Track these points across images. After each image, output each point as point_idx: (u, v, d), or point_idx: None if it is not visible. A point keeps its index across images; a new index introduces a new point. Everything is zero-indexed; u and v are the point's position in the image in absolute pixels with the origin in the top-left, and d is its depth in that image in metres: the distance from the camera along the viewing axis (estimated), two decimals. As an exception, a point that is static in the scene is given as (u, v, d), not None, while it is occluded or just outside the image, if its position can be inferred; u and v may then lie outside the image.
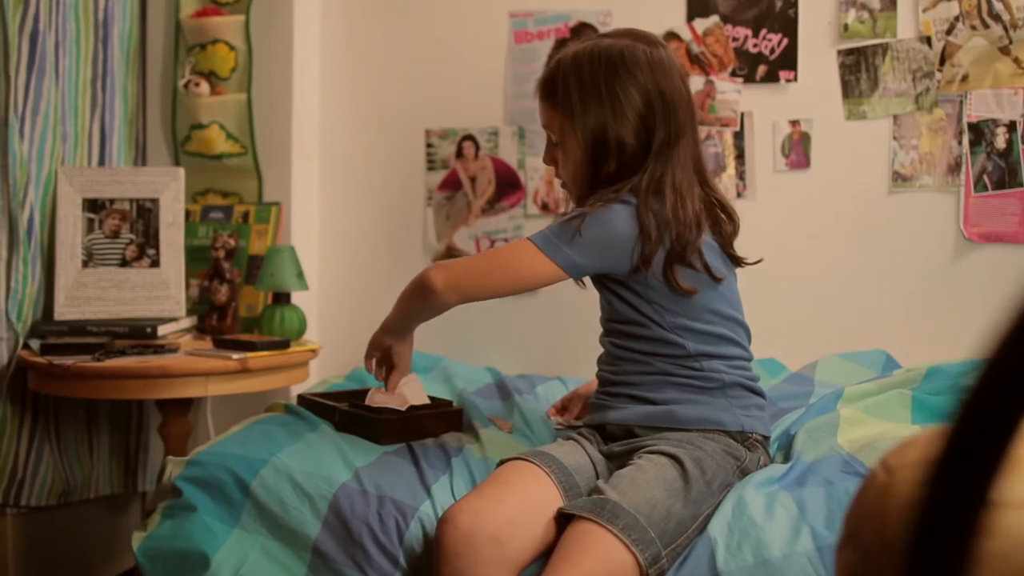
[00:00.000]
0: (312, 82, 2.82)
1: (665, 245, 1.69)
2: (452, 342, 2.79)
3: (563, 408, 2.20)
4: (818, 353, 2.51)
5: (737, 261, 1.81)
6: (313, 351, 2.39)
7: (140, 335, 2.31)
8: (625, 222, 1.69)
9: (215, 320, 2.51)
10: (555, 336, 2.77)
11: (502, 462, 1.74)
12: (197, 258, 2.61)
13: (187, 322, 2.50)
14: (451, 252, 2.82)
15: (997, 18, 2.50)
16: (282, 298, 2.48)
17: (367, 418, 1.96)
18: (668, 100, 1.71)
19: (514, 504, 1.60)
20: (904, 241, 2.57)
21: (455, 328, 2.81)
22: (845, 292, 2.60)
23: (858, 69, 2.58)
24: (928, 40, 2.54)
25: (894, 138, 2.57)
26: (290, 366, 2.31)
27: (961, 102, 2.53)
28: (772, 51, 2.63)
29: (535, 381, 2.51)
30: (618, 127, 1.71)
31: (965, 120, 2.53)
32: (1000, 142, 2.51)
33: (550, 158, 1.84)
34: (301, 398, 2.10)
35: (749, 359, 1.82)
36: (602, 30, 2.70)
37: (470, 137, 2.80)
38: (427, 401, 2.05)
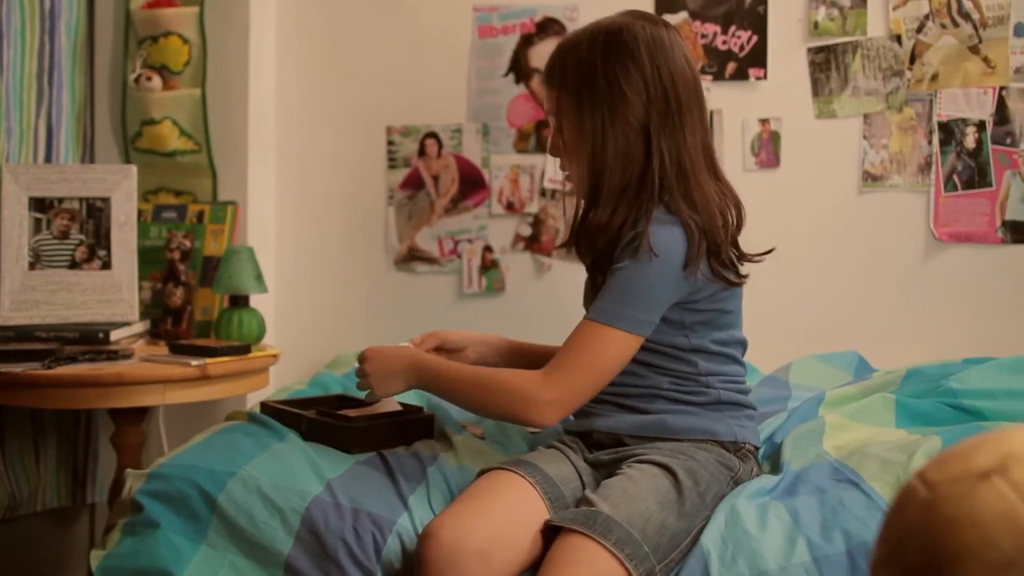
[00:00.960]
0: (269, 76, 2.73)
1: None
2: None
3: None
4: (789, 354, 2.48)
5: (743, 257, 1.74)
6: (274, 356, 2.30)
7: (92, 340, 2.20)
8: (676, 246, 1.61)
9: (169, 324, 2.40)
10: (519, 334, 2.67)
11: (482, 472, 1.67)
12: (149, 260, 2.50)
13: (140, 326, 2.39)
14: (413, 253, 2.74)
15: (967, 16, 2.48)
16: (240, 301, 2.39)
17: (336, 426, 1.87)
18: (669, 79, 1.65)
19: (499, 517, 1.54)
20: (875, 241, 2.55)
21: (417, 330, 2.73)
22: (816, 292, 2.57)
23: (828, 67, 2.55)
24: (898, 38, 2.52)
25: (864, 137, 2.54)
26: (250, 372, 2.22)
27: (931, 101, 2.51)
28: (741, 48, 2.59)
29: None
30: (621, 107, 1.64)
31: (935, 119, 2.51)
32: (970, 142, 2.50)
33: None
34: (264, 406, 2.01)
35: (744, 373, 1.77)
36: (568, 25, 2.65)
37: (433, 134, 2.73)
38: (398, 408, 1.98)
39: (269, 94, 2.73)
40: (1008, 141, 2.49)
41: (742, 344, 1.77)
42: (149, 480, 1.70)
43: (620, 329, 1.60)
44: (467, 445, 1.88)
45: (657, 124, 1.65)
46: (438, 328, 2.68)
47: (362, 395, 2.20)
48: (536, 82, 2.67)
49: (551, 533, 1.53)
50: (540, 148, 2.68)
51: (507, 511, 1.56)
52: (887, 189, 2.55)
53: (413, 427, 1.94)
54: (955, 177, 2.51)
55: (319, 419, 1.91)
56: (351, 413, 1.94)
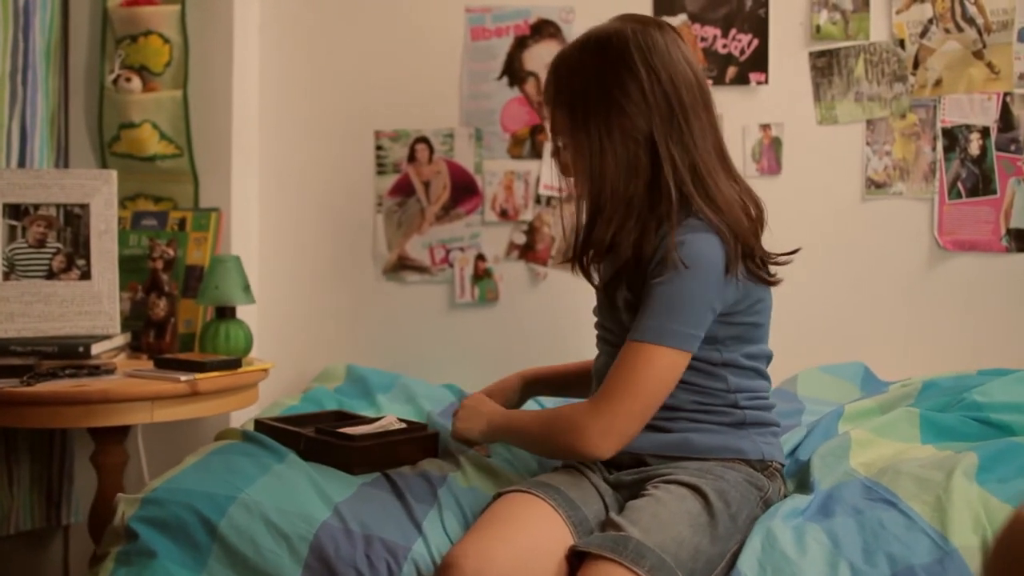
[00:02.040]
0: (253, 78, 2.62)
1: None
2: (405, 357, 2.62)
3: None
4: (791, 363, 2.41)
5: (768, 257, 1.66)
6: (264, 371, 2.19)
7: (72, 355, 2.08)
8: (713, 252, 1.54)
9: (152, 337, 2.29)
10: (514, 346, 2.62)
11: (499, 495, 1.58)
12: (128, 269, 2.38)
13: (121, 340, 2.28)
14: (402, 261, 2.65)
15: (971, 21, 2.44)
16: (227, 313, 2.28)
17: (337, 445, 1.78)
18: (669, 83, 1.57)
19: (522, 543, 1.45)
20: (878, 249, 2.50)
21: (407, 342, 2.65)
22: (819, 302, 2.52)
23: (830, 72, 2.50)
24: (901, 43, 2.47)
25: (867, 143, 2.49)
26: (241, 388, 2.11)
27: (935, 107, 2.47)
28: (742, 52, 2.53)
29: (502, 398, 2.34)
30: (617, 118, 1.57)
31: (939, 125, 2.47)
32: (974, 148, 2.46)
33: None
34: (259, 423, 1.91)
35: (769, 388, 1.70)
36: (564, 28, 2.58)
37: (423, 139, 2.63)
38: (401, 425, 1.89)
39: (253, 96, 2.62)
40: (1012, 148, 2.45)
41: (768, 358, 1.70)
42: (143, 505, 1.59)
43: (668, 347, 1.53)
44: (475, 464, 1.80)
45: (662, 131, 1.57)
46: (427, 339, 2.63)
47: (362, 411, 2.14)
48: (531, 85, 2.59)
49: (576, 559, 1.45)
50: (535, 153, 2.60)
51: (530, 537, 1.47)
52: (890, 196, 2.49)
53: (417, 445, 1.86)
54: (959, 184, 2.47)
55: (319, 437, 1.81)
56: (351, 431, 1.85)
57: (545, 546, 1.47)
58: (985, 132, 2.45)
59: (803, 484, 1.68)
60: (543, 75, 2.58)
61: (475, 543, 1.44)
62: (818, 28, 2.49)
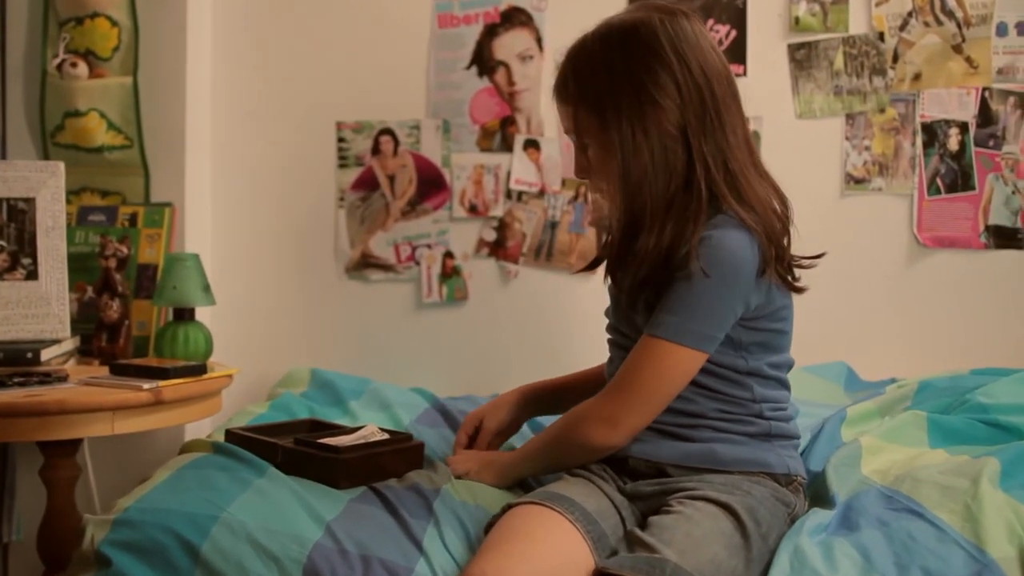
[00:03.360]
0: (207, 64, 2.47)
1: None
2: (369, 360, 2.50)
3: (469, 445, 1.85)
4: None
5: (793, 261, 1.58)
6: (229, 376, 2.05)
7: (19, 361, 1.92)
8: (744, 254, 1.45)
9: (104, 341, 2.13)
10: (484, 348, 2.51)
11: (508, 507, 1.48)
12: (75, 268, 2.22)
13: (70, 344, 2.11)
14: (366, 259, 2.52)
15: (950, 15, 2.40)
16: (185, 315, 2.13)
17: (321, 458, 1.66)
18: (701, 75, 1.48)
19: (543, 561, 1.35)
20: (857, 246, 2.45)
21: (372, 344, 2.53)
22: (798, 299, 2.43)
23: (809, 65, 2.44)
24: (881, 36, 2.42)
25: (846, 138, 2.44)
26: (205, 396, 1.97)
27: (914, 102, 2.43)
28: (720, 43, 2.45)
29: (479, 402, 2.23)
30: (652, 113, 1.46)
31: (918, 120, 2.43)
32: (953, 144, 2.42)
33: (581, 168, 1.57)
34: (230, 434, 1.78)
35: (789, 398, 1.63)
36: (536, 15, 2.48)
37: (388, 131, 2.51)
38: (383, 435, 1.77)
39: (206, 84, 2.47)
40: (991, 144, 2.42)
41: (790, 367, 1.63)
42: (115, 528, 1.45)
43: (685, 345, 1.44)
44: (466, 473, 1.70)
45: (696, 128, 1.48)
46: (393, 341, 2.51)
47: (335, 419, 2.02)
48: (501, 75, 2.49)
49: (601, 580, 1.36)
50: (505, 146, 2.49)
51: (551, 554, 1.37)
52: (870, 192, 2.45)
53: (403, 456, 1.74)
54: (938, 180, 2.43)
55: (299, 449, 1.69)
56: (333, 442, 1.72)
57: (567, 564, 1.37)
58: (964, 128, 2.42)
59: (820, 496, 1.60)
60: (513, 64, 2.49)
61: (493, 562, 1.33)
62: (797, 20, 2.43)
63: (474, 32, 2.49)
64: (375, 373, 2.43)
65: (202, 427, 2.40)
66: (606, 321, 1.72)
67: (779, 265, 1.50)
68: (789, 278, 1.53)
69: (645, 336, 1.48)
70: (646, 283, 1.50)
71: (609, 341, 1.67)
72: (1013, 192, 2.41)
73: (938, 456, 1.68)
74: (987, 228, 2.42)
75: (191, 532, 1.42)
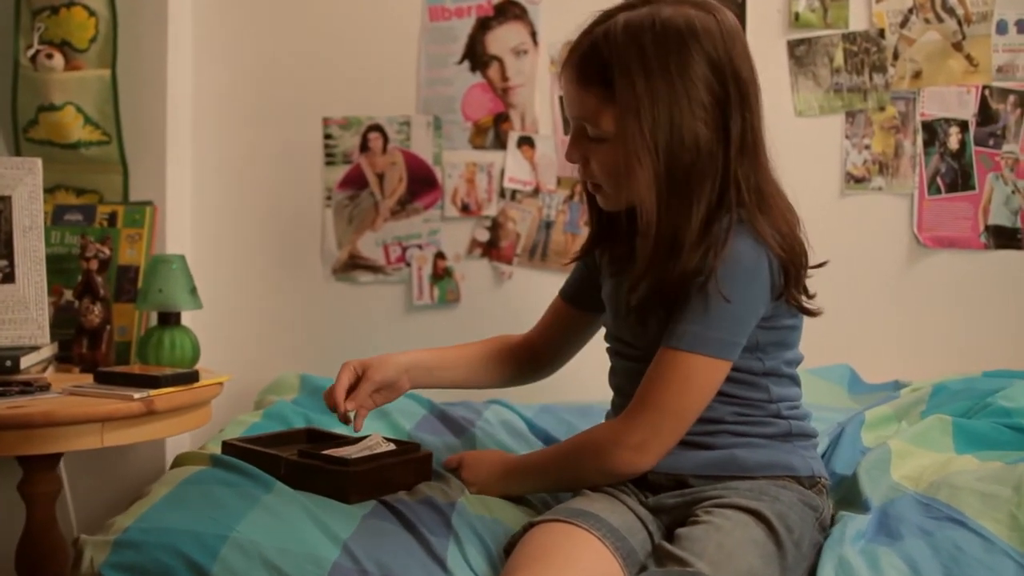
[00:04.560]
0: (189, 56, 2.36)
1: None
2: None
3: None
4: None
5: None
6: (220, 384, 1.95)
7: (-2, 370, 1.81)
8: (760, 263, 1.39)
9: (85, 347, 2.02)
10: (476, 354, 2.43)
11: (531, 525, 1.40)
12: (51, 270, 2.10)
13: (48, 351, 2.00)
14: (354, 260, 2.43)
15: (951, 12, 2.37)
16: (171, 319, 2.03)
17: (329, 471, 1.57)
18: (744, 81, 1.42)
19: (577, 582, 1.28)
20: (857, 246, 2.41)
21: (361, 348, 2.42)
22: (798, 302, 2.41)
23: (809, 62, 2.39)
24: (881, 32, 2.38)
25: (846, 136, 2.40)
26: (197, 405, 1.87)
27: (914, 100, 2.39)
28: (719, 39, 2.39)
29: (476, 408, 2.16)
30: (694, 117, 1.38)
31: (919, 119, 2.39)
32: (953, 143, 2.39)
33: (580, 155, 1.48)
34: (228, 446, 1.68)
35: (802, 396, 1.57)
36: (530, 9, 2.40)
37: (377, 127, 2.42)
38: (390, 445, 1.69)
39: (187, 76, 2.37)
40: (991, 143, 2.39)
41: (800, 362, 1.57)
42: (115, 549, 1.35)
43: (708, 355, 1.38)
44: (480, 486, 1.62)
45: (733, 136, 1.40)
46: (382, 345, 2.41)
47: (336, 427, 1.93)
48: (494, 71, 2.41)
49: (634, 597, 1.29)
50: (499, 144, 2.41)
51: (581, 574, 1.30)
52: (870, 192, 2.41)
53: (412, 467, 1.66)
54: (939, 179, 2.40)
55: (304, 462, 1.60)
56: (339, 453, 1.64)
57: (598, 584, 1.30)
58: (964, 126, 2.39)
59: (849, 501, 1.55)
60: (507, 59, 2.42)
61: (527, 584, 1.26)
62: (797, 16, 2.38)
63: (466, 26, 2.41)
64: (364, 378, 2.34)
65: (181, 440, 2.30)
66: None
67: (795, 289, 1.44)
68: (804, 299, 1.47)
69: (664, 350, 1.40)
70: (662, 297, 1.43)
71: (610, 351, 1.61)
72: (1013, 192, 2.39)
73: (968, 462, 1.64)
74: (987, 228, 2.40)
75: (199, 553, 1.33)
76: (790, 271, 1.43)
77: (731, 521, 1.35)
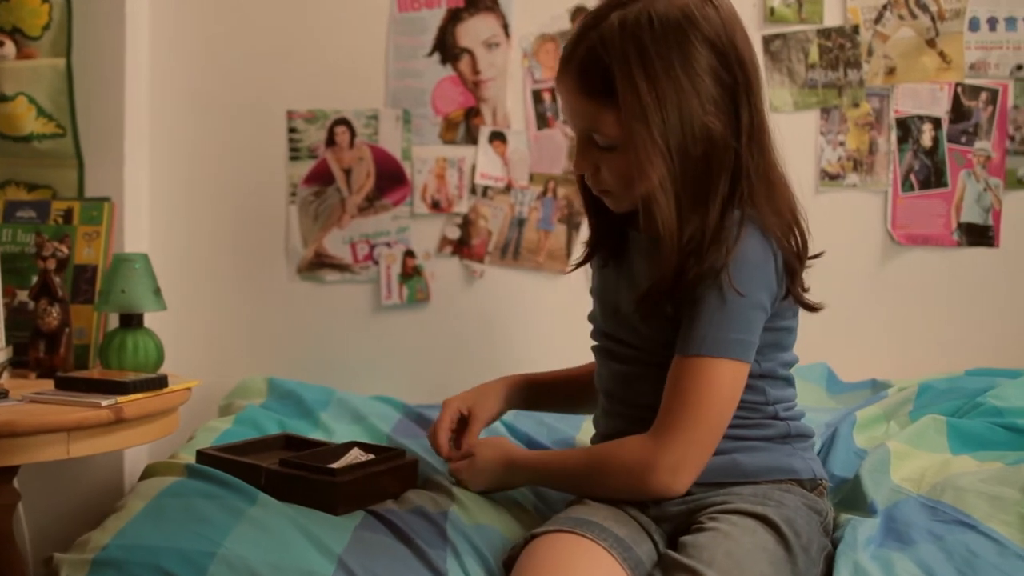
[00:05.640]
0: (146, 44, 2.26)
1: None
2: (325, 367, 2.33)
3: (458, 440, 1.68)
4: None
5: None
6: (189, 390, 1.86)
7: (-49, 377, 1.70)
8: (767, 256, 1.36)
9: (42, 351, 1.91)
10: (447, 352, 2.37)
11: (532, 536, 1.34)
12: (3, 270, 1.99)
13: (2, 355, 1.89)
14: (320, 259, 2.35)
15: (924, 8, 2.36)
16: (133, 321, 1.93)
17: (312, 480, 1.50)
18: (749, 65, 1.37)
19: (588, 597, 1.23)
20: (832, 244, 2.34)
21: (328, 350, 2.36)
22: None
23: (785, 57, 2.37)
24: (856, 28, 2.36)
25: (821, 133, 2.38)
26: (166, 412, 1.78)
27: (888, 96, 2.38)
28: (693, 33, 2.36)
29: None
30: (704, 112, 1.32)
31: (893, 116, 2.38)
32: (926, 140, 2.38)
33: (589, 164, 1.41)
34: (202, 455, 1.60)
35: (796, 396, 1.54)
36: (503, 0, 2.34)
37: (344, 121, 2.34)
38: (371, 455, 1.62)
39: (144, 67, 2.26)
40: (963, 140, 2.38)
41: (794, 364, 1.54)
42: (96, 569, 1.27)
43: (729, 359, 1.33)
44: (468, 494, 1.55)
45: (743, 128, 1.36)
46: (350, 346, 2.34)
47: (308, 434, 1.86)
48: (465, 64, 2.34)
49: (646, 610, 1.24)
50: (470, 139, 2.35)
51: (592, 587, 1.25)
52: (844, 189, 2.39)
53: (399, 475, 1.59)
54: (912, 176, 2.39)
55: (288, 471, 1.52)
56: (318, 459, 1.57)
57: (610, 598, 1.25)
58: (937, 123, 2.38)
59: (851, 504, 1.53)
60: (478, 52, 2.35)
61: (540, 601, 1.20)
62: (772, 11, 2.35)
63: (437, 17, 2.33)
64: (331, 381, 2.26)
65: (138, 450, 2.20)
66: (577, 324, 1.61)
67: (797, 283, 1.41)
68: (802, 294, 1.44)
69: (684, 358, 1.34)
70: (667, 296, 1.37)
71: (597, 349, 1.55)
72: (985, 189, 2.39)
73: (967, 463, 1.62)
74: (960, 225, 2.39)
75: (186, 571, 1.25)
76: (794, 265, 1.40)
77: (738, 528, 1.31)
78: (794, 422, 1.48)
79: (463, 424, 1.65)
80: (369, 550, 1.35)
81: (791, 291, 1.41)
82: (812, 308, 1.46)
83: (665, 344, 1.40)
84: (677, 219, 1.33)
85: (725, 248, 1.32)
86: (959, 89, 2.37)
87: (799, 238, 1.41)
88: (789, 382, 1.51)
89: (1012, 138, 2.38)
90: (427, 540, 1.39)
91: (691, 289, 1.34)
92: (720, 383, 1.33)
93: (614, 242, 1.54)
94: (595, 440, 1.58)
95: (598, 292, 1.56)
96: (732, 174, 1.35)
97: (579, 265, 1.59)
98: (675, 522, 1.40)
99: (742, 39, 1.38)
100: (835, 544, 1.39)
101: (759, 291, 1.35)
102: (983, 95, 2.38)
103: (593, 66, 1.36)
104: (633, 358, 1.48)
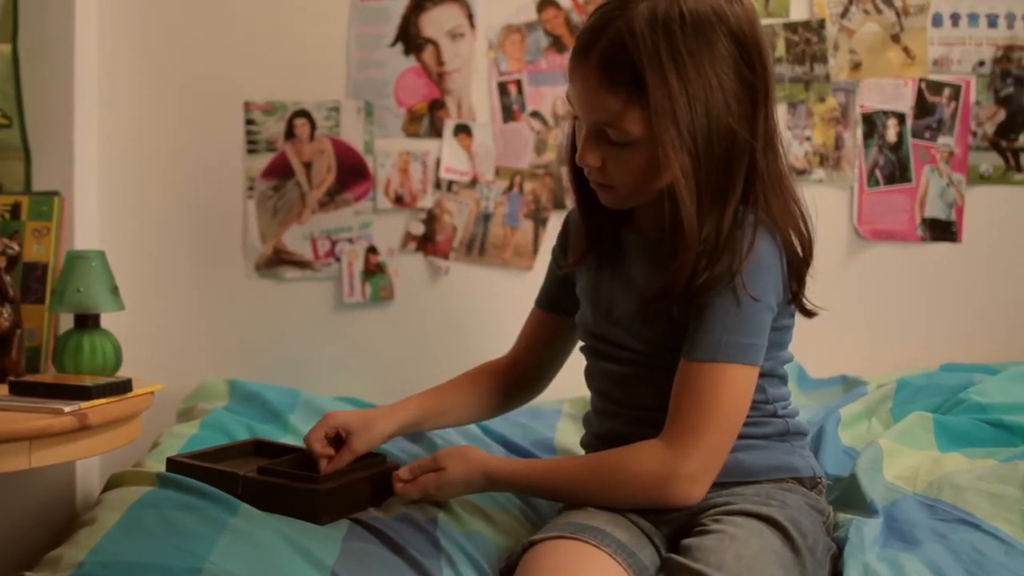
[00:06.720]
0: (94, 32, 2.15)
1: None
2: (285, 367, 2.25)
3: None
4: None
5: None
6: (152, 394, 1.77)
7: None
8: (777, 259, 1.34)
9: (-8, 354, 1.81)
10: (412, 351, 2.31)
11: (532, 543, 1.29)
12: (-56, 268, 1.88)
13: (-52, 359, 1.78)
14: (279, 255, 2.27)
15: (889, 3, 2.36)
16: (89, 321, 1.84)
17: (293, 488, 1.43)
18: (769, 70, 1.34)
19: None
20: (799, 239, 2.38)
21: (288, 349, 2.28)
22: (742, 296, 2.36)
23: (751, 51, 2.35)
24: (823, 23, 2.35)
25: (788, 128, 2.36)
26: (130, 417, 1.68)
27: (853, 91, 2.37)
28: (661, 26, 2.33)
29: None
30: (728, 112, 1.28)
31: (858, 111, 2.37)
32: (891, 135, 2.39)
33: (596, 156, 1.35)
34: (173, 463, 1.52)
35: (791, 394, 1.52)
36: (468, -10, 2.28)
37: (303, 113, 2.26)
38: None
39: (93, 54, 2.16)
40: (927, 135, 2.39)
41: (790, 362, 1.52)
42: (73, 588, 1.19)
43: (741, 363, 1.30)
44: (457, 501, 1.50)
45: (759, 128, 1.32)
46: (311, 346, 2.26)
47: (278, 438, 1.79)
48: (429, 54, 2.28)
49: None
50: (434, 132, 2.29)
51: (601, 597, 1.21)
52: (811, 183, 2.38)
53: (381, 482, 1.53)
54: (877, 172, 2.39)
55: (267, 479, 1.45)
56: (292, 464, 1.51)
57: (615, 604, 1.21)
58: (902, 119, 2.38)
59: (848, 503, 1.51)
60: (443, 43, 2.29)
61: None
62: (739, 3, 2.33)
63: (399, 5, 2.27)
64: (293, 382, 2.18)
65: (90, 460, 2.09)
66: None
67: (799, 287, 1.39)
68: (803, 299, 1.41)
69: (698, 363, 1.30)
70: (682, 298, 1.34)
71: (588, 350, 1.51)
72: (948, 185, 2.40)
73: (957, 460, 1.61)
74: (923, 221, 2.40)
75: (171, 590, 1.18)
76: (801, 269, 1.38)
77: (744, 529, 1.28)
78: (791, 419, 1.46)
79: (337, 441, 1.54)
80: (362, 561, 1.29)
81: (796, 297, 1.38)
82: (811, 314, 1.44)
83: (665, 347, 1.36)
84: (698, 220, 1.29)
85: (739, 251, 1.29)
86: (923, 85, 2.38)
87: (806, 243, 1.38)
88: (784, 380, 1.50)
89: (974, 134, 2.40)
90: (419, 549, 1.34)
91: (701, 292, 1.30)
92: (736, 388, 1.30)
93: (609, 243, 1.50)
94: (587, 440, 1.54)
95: (588, 294, 1.52)
96: (746, 175, 1.32)
97: (573, 265, 1.53)
98: (675, 525, 1.37)
99: (763, 39, 1.35)
100: (838, 544, 1.37)
101: (770, 295, 1.33)
102: (946, 91, 2.38)
103: (619, 58, 1.29)
104: (630, 360, 1.44)
